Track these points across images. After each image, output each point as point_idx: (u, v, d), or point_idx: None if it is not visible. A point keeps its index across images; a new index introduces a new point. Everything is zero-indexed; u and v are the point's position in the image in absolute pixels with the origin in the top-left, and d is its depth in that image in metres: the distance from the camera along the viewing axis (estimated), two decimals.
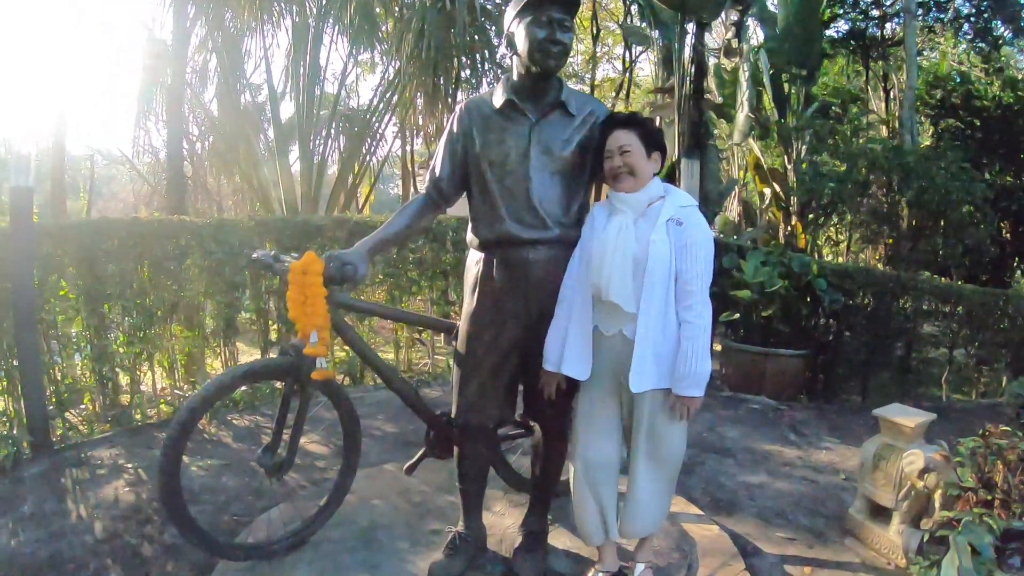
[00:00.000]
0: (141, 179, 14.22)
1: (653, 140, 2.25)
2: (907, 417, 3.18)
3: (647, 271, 2.11)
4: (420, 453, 2.85)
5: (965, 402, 6.26)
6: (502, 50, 2.34)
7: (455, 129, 2.40)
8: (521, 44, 2.25)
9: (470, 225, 2.45)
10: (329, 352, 2.39)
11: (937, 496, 2.84)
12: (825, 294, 5.71)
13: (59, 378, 4.49)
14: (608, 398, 2.30)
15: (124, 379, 4.84)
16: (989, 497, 2.66)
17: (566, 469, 2.77)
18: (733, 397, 5.49)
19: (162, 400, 4.97)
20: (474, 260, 2.43)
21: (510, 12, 2.30)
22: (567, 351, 2.25)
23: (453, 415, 2.51)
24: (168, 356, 5.09)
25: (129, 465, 3.77)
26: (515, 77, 2.34)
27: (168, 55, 9.05)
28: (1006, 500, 2.64)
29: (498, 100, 2.34)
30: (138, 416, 4.65)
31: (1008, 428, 2.84)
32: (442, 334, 3.12)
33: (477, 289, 2.39)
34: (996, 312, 6.21)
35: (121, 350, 4.73)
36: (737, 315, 5.81)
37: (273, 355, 5.25)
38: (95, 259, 4.48)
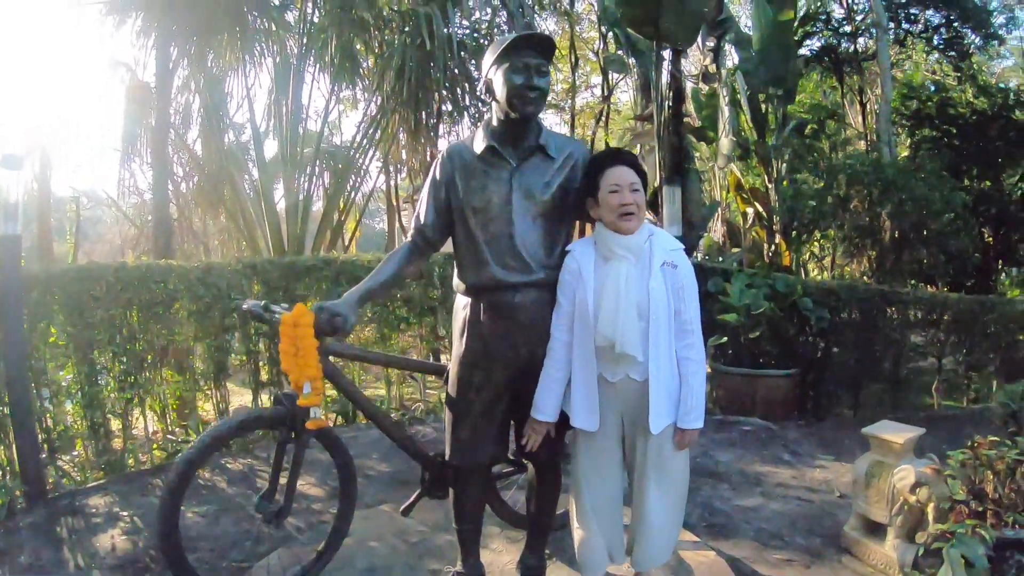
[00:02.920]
0: (127, 221, 14.21)
1: (646, 182, 2.31)
2: (896, 433, 3.22)
3: (652, 318, 2.17)
4: (416, 494, 2.86)
5: (956, 409, 6.30)
6: (482, 83, 2.41)
7: (437, 176, 2.44)
8: (499, 90, 2.29)
9: (456, 270, 2.48)
10: (322, 401, 2.40)
11: (930, 510, 2.87)
12: (811, 313, 5.76)
13: (51, 425, 4.47)
14: (612, 437, 2.34)
15: (116, 424, 4.82)
16: (981, 508, 2.69)
17: (562, 503, 2.78)
18: (725, 420, 5.50)
19: (155, 445, 4.96)
20: (461, 304, 2.46)
21: (488, 58, 2.37)
22: (575, 404, 2.28)
23: (447, 457, 2.54)
24: (159, 401, 5.06)
25: (124, 513, 3.76)
26: (494, 123, 2.38)
27: (151, 97, 9.10)
28: (997, 510, 2.67)
29: (479, 146, 2.37)
30: (131, 462, 4.65)
31: (996, 438, 2.88)
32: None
33: (465, 333, 2.41)
34: (982, 319, 6.26)
35: (112, 396, 4.72)
36: (725, 339, 5.85)
37: (266, 399, 5.29)
38: (84, 305, 4.48)
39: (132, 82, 10.08)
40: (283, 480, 2.57)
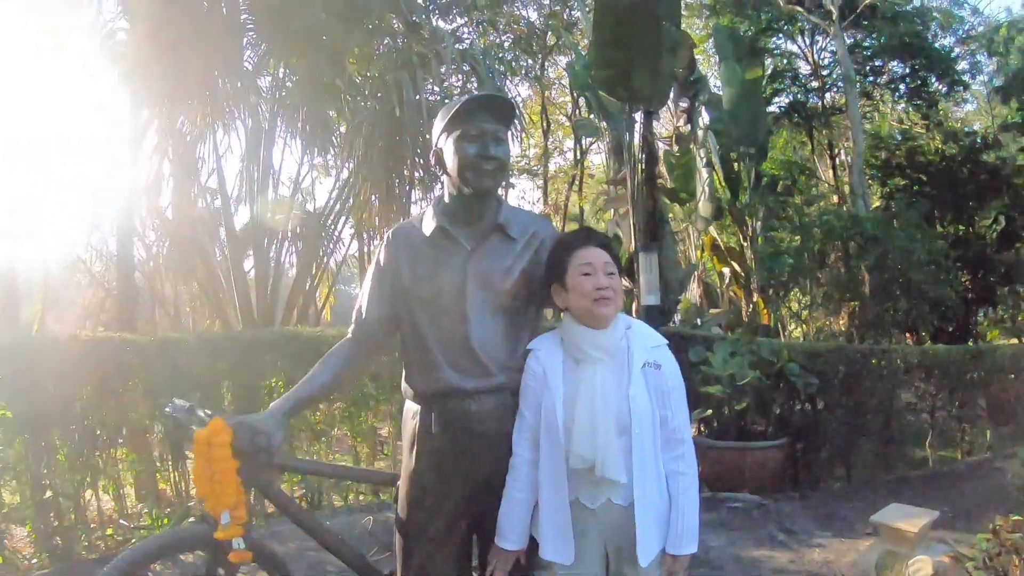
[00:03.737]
0: (96, 285, 13.85)
1: (620, 268, 1.99)
2: (908, 520, 2.97)
3: (635, 432, 1.82)
4: None
5: (951, 462, 6.16)
6: (432, 154, 2.06)
7: (381, 262, 2.10)
8: (450, 161, 1.98)
9: (404, 373, 2.14)
10: (246, 530, 2.05)
11: None
12: (799, 379, 5.59)
13: None
14: (594, 565, 1.96)
15: (67, 506, 4.50)
16: None
17: None
18: (713, 497, 5.19)
19: (109, 529, 4.64)
20: (410, 413, 2.09)
21: (437, 125, 2.05)
22: (544, 533, 1.90)
23: None
24: (114, 481, 4.79)
25: None
26: (446, 199, 2.06)
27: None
28: None
29: (428, 227, 2.04)
30: (84, 543, 4.37)
31: (1019, 517, 2.67)
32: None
33: (415, 447, 2.05)
34: (973, 369, 6.17)
35: (64, 476, 4.44)
36: (709, 411, 5.63)
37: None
38: (34, 379, 4.22)
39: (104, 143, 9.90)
40: None
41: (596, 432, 1.79)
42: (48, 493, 4.32)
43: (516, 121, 10.10)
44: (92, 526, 4.58)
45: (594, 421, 1.79)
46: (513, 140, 11.46)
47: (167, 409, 2.22)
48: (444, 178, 2.06)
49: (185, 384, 4.74)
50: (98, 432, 4.55)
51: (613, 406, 1.81)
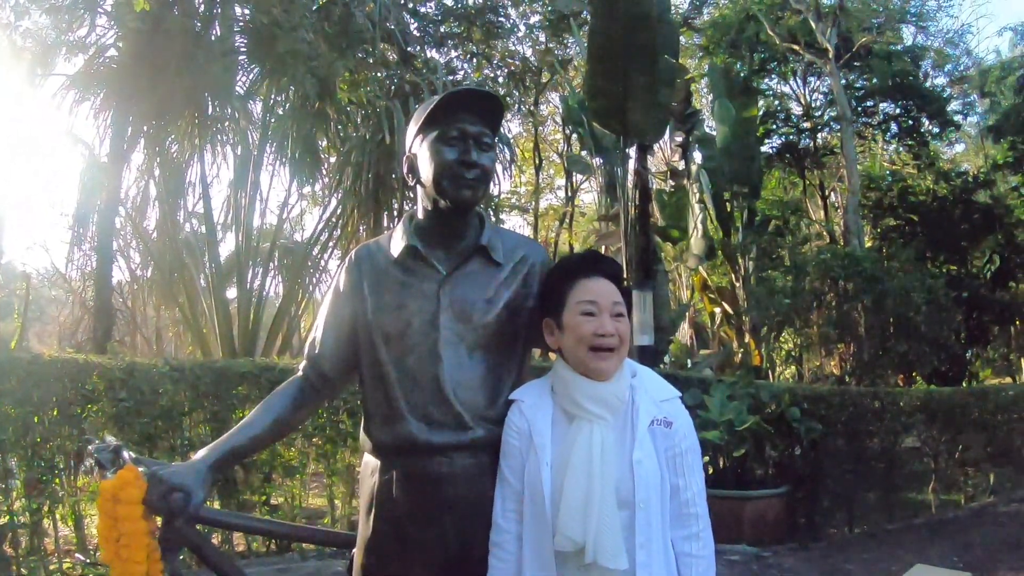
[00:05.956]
0: (76, 303, 13.66)
1: (631, 305, 1.66)
2: None
3: (639, 506, 1.47)
4: None
5: (955, 508, 6.04)
6: (404, 161, 1.73)
7: (341, 287, 1.77)
8: (425, 169, 1.67)
9: (363, 421, 1.77)
10: None
11: None
12: (801, 423, 5.38)
13: None
14: None
15: (24, 534, 4.33)
16: None
17: None
18: None
19: (67, 563, 4.46)
20: (369, 469, 1.73)
21: (412, 127, 1.75)
22: None
23: None
24: (73, 511, 4.55)
25: None
26: (419, 215, 1.74)
27: (105, 177, 8.78)
28: None
29: (396, 247, 1.71)
30: (42, 574, 4.23)
31: None
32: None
33: (373, 511, 1.69)
34: (974, 411, 6.06)
35: (18, 504, 4.25)
36: (706, 458, 5.39)
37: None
38: None
39: (89, 160, 9.76)
40: None
41: (590, 507, 1.45)
42: (4, 519, 4.15)
43: (508, 150, 9.98)
44: (50, 556, 4.41)
45: (589, 493, 1.45)
46: (505, 175, 11.34)
47: (90, 447, 1.87)
48: (418, 190, 1.75)
49: (150, 412, 4.55)
50: (57, 459, 4.36)
51: (613, 475, 1.47)
